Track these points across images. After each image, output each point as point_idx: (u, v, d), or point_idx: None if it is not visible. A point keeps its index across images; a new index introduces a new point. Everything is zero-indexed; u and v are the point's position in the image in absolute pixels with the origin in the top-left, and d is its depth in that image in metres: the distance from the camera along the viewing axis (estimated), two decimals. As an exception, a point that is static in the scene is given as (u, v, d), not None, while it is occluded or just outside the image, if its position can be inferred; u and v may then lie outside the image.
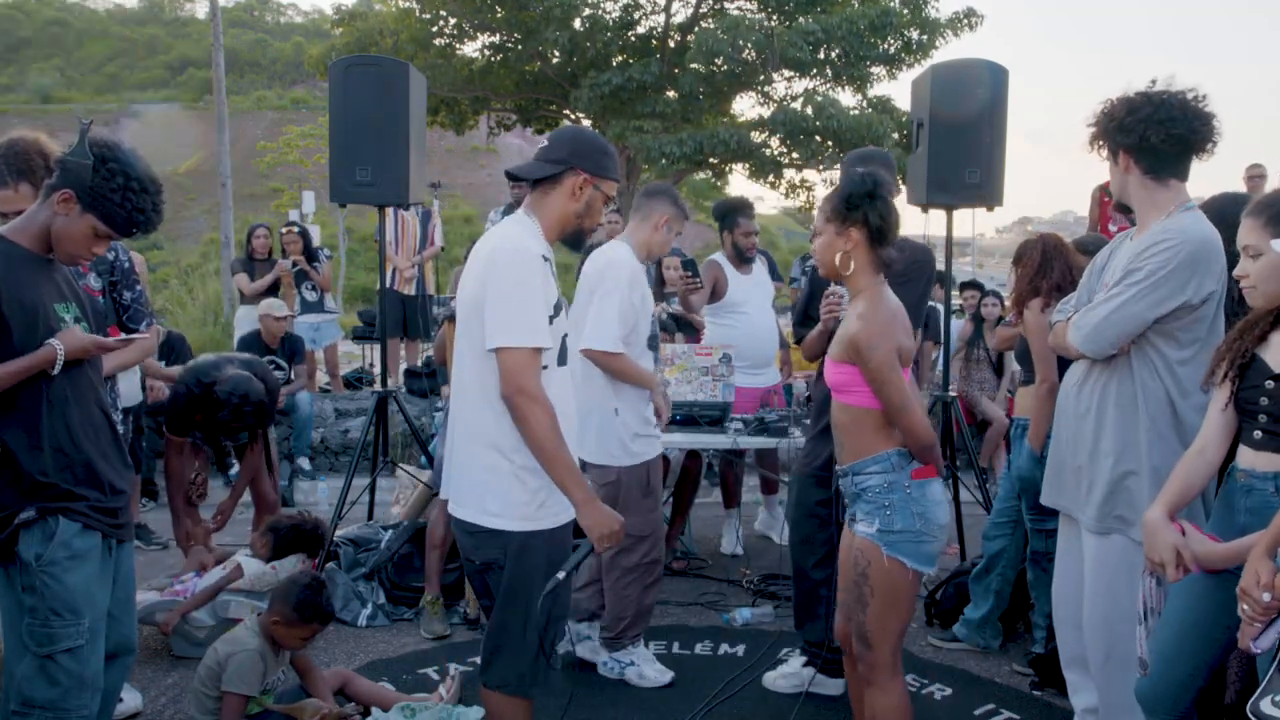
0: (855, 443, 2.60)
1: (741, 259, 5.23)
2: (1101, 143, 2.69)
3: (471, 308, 2.46)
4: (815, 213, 2.77)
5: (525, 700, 2.57)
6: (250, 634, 3.25)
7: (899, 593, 2.57)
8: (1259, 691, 1.92)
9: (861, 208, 2.57)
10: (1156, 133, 2.55)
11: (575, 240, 2.62)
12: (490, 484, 2.45)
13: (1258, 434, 2.26)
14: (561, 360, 2.54)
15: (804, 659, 3.69)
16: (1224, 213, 2.66)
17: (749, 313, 5.22)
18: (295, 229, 8.32)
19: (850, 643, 2.71)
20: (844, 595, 2.70)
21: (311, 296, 8.23)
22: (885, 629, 2.59)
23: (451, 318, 3.81)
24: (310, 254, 8.21)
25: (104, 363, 2.69)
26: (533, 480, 2.43)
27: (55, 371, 2.35)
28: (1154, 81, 2.62)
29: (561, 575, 2.40)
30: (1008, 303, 4.26)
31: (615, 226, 8.71)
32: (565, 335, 2.57)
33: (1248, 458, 2.29)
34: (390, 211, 8.09)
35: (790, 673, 3.69)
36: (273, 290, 7.78)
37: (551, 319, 2.44)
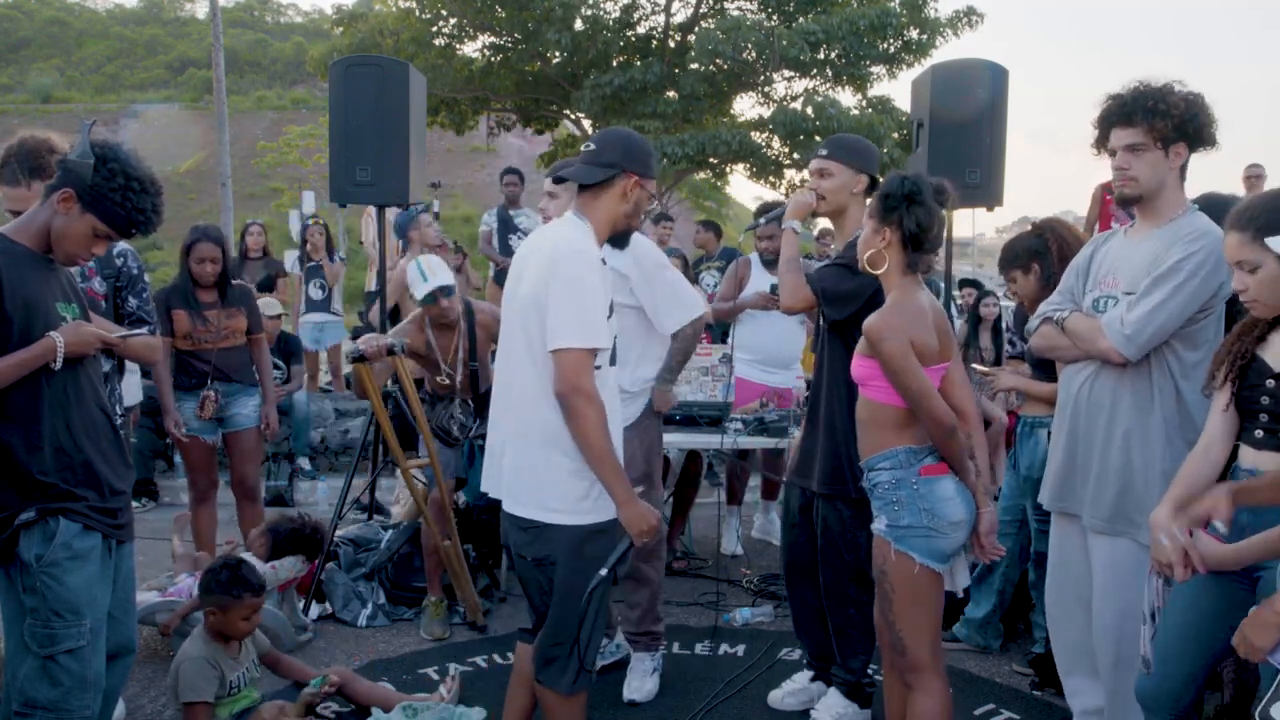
0: (871, 438, 2.66)
1: (764, 261, 5.24)
2: (1161, 124, 2.58)
3: (531, 306, 2.49)
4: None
5: (581, 696, 2.62)
6: (194, 642, 3.22)
7: (918, 589, 2.58)
8: (1269, 697, 1.91)
9: (898, 210, 2.61)
10: (1215, 136, 2.60)
11: (621, 239, 2.67)
12: (550, 481, 2.50)
13: (1259, 433, 2.26)
14: (612, 360, 2.61)
15: (810, 674, 3.57)
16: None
17: (772, 312, 5.22)
18: (319, 221, 8.68)
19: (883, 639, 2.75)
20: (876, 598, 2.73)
21: (318, 295, 8.25)
22: (915, 628, 2.59)
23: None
24: (330, 249, 8.41)
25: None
26: (590, 474, 2.49)
27: (57, 366, 2.35)
28: (1174, 83, 2.62)
29: (604, 571, 2.48)
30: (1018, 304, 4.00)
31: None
32: (617, 336, 2.64)
33: (1250, 457, 2.29)
34: (372, 212, 8.18)
35: (797, 689, 3.57)
36: (267, 289, 7.77)
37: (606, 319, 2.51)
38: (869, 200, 2.76)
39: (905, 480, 2.58)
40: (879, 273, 2.67)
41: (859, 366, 2.68)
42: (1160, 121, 2.57)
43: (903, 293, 2.64)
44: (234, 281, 4.68)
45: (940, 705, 2.62)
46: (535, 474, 2.53)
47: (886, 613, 2.62)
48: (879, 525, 2.64)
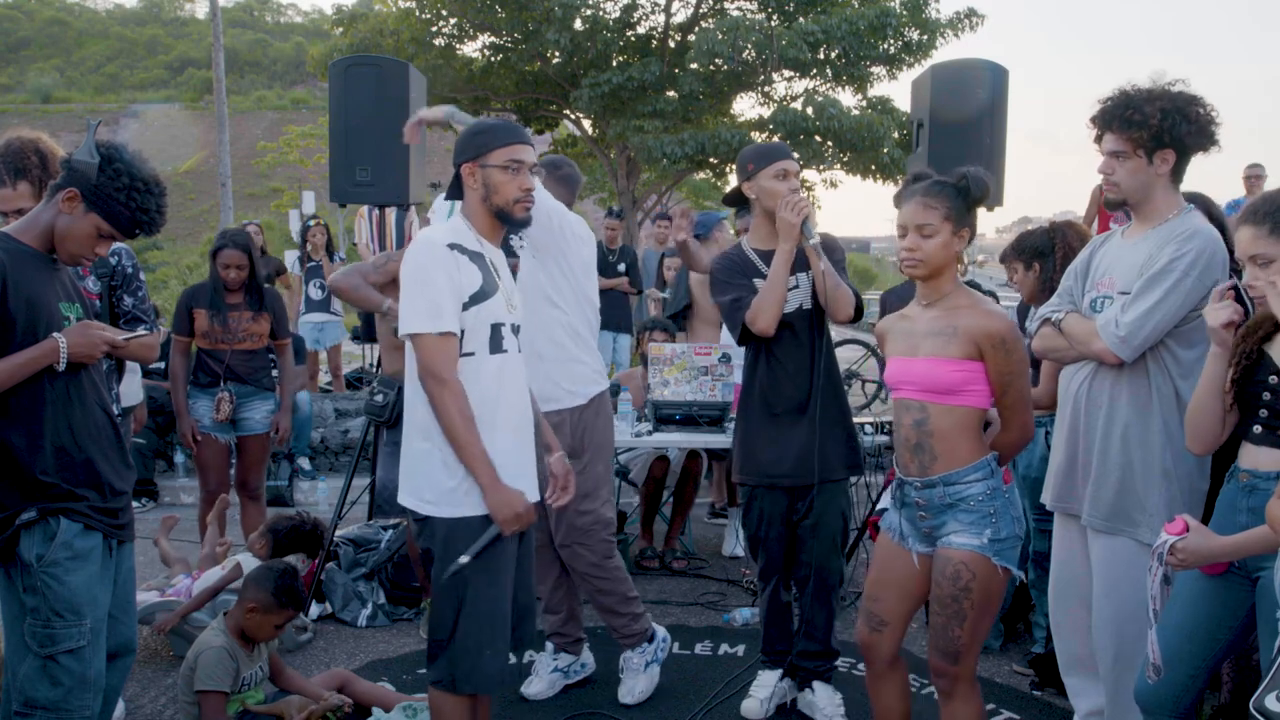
0: (954, 450, 2.49)
1: None
2: (1136, 134, 2.56)
3: None
4: (918, 209, 2.50)
5: (464, 698, 2.56)
6: (215, 633, 3.23)
7: (996, 603, 2.53)
8: (1263, 687, 1.91)
9: (975, 213, 2.56)
10: (1213, 137, 2.59)
11: (505, 220, 2.66)
12: (423, 471, 2.54)
13: (1258, 428, 2.27)
14: (496, 348, 2.57)
15: (778, 672, 3.52)
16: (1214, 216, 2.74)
17: None
18: (320, 221, 8.71)
19: (873, 650, 2.73)
20: (904, 611, 2.72)
21: (318, 295, 8.26)
22: (977, 641, 2.54)
23: None
24: (330, 249, 8.46)
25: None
26: (459, 468, 2.49)
27: (61, 367, 2.35)
28: (1175, 83, 2.60)
29: (465, 559, 2.45)
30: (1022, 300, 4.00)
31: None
32: (502, 324, 2.59)
33: (1250, 457, 2.30)
34: (365, 212, 8.19)
35: (769, 693, 3.50)
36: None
37: (468, 306, 2.50)
38: (938, 204, 2.51)
39: (998, 490, 2.48)
40: (941, 277, 2.53)
41: (954, 371, 2.46)
42: (1136, 131, 2.56)
43: (973, 293, 2.58)
44: (267, 286, 4.72)
45: (981, 710, 2.61)
46: (414, 465, 2.57)
47: (953, 627, 2.49)
48: (972, 540, 2.45)
